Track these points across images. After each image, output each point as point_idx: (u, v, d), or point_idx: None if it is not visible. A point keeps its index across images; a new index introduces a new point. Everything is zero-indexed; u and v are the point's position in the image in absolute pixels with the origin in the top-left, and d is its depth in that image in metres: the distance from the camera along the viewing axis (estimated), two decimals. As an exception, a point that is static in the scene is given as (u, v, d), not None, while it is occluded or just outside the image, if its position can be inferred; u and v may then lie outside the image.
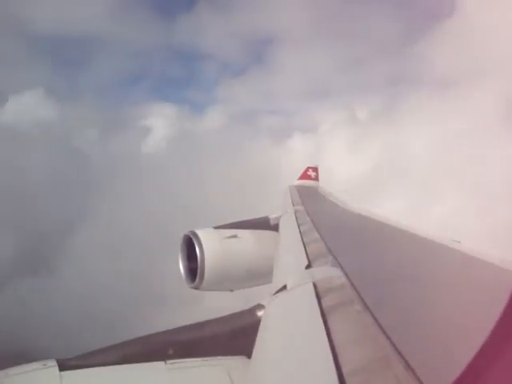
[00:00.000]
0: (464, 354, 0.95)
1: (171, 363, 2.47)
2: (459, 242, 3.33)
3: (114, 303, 33.19)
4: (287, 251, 4.13)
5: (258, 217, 6.86)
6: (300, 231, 4.57)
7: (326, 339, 1.58)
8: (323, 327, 1.70)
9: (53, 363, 2.34)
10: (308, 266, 2.85)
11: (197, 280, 5.62)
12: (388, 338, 1.48)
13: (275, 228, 6.15)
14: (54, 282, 41.70)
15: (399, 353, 1.36)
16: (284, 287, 2.55)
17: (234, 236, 5.97)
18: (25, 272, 43.12)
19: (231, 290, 6.01)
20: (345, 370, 1.35)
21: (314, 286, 2.26)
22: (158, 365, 2.46)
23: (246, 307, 2.89)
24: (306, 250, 3.45)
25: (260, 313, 2.64)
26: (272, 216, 6.66)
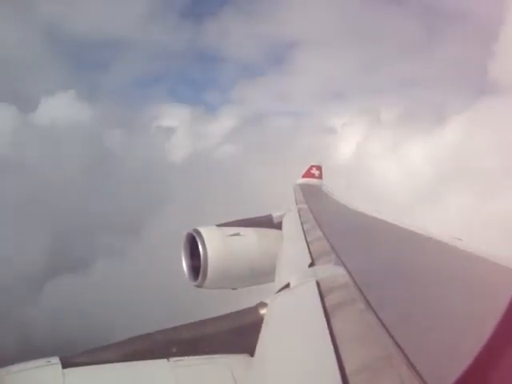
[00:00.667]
0: (467, 353, 0.94)
1: (174, 361, 2.47)
2: (461, 240, 3.32)
3: (149, 301, 33.29)
4: (290, 249, 4.12)
5: (261, 215, 6.85)
6: (303, 229, 4.57)
7: (329, 338, 1.58)
8: (326, 326, 1.70)
9: (56, 360, 2.35)
10: (311, 265, 2.85)
11: (200, 278, 5.62)
12: (391, 336, 1.47)
13: (278, 226, 6.15)
14: (90, 280, 42.18)
15: (402, 352, 1.35)
16: (287, 285, 2.55)
17: (237, 234, 5.96)
18: (61, 270, 43.77)
19: (234, 289, 6.01)
20: (348, 369, 1.35)
21: (317, 284, 2.25)
22: (161, 362, 2.46)
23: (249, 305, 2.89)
24: (309, 248, 3.44)
25: (263, 311, 2.64)
26: (275, 214, 6.65)
